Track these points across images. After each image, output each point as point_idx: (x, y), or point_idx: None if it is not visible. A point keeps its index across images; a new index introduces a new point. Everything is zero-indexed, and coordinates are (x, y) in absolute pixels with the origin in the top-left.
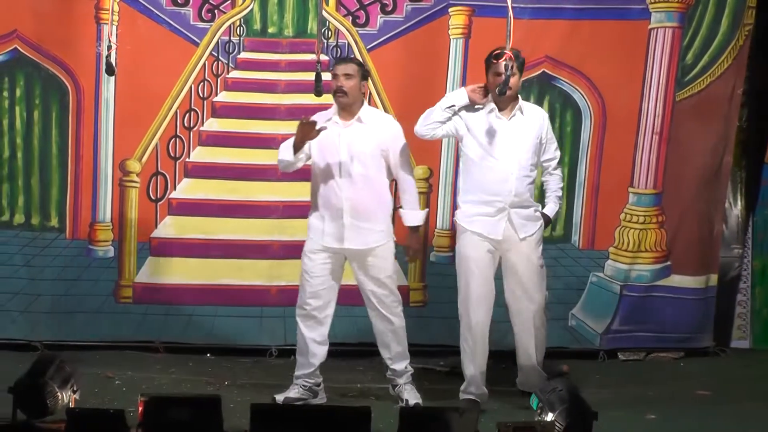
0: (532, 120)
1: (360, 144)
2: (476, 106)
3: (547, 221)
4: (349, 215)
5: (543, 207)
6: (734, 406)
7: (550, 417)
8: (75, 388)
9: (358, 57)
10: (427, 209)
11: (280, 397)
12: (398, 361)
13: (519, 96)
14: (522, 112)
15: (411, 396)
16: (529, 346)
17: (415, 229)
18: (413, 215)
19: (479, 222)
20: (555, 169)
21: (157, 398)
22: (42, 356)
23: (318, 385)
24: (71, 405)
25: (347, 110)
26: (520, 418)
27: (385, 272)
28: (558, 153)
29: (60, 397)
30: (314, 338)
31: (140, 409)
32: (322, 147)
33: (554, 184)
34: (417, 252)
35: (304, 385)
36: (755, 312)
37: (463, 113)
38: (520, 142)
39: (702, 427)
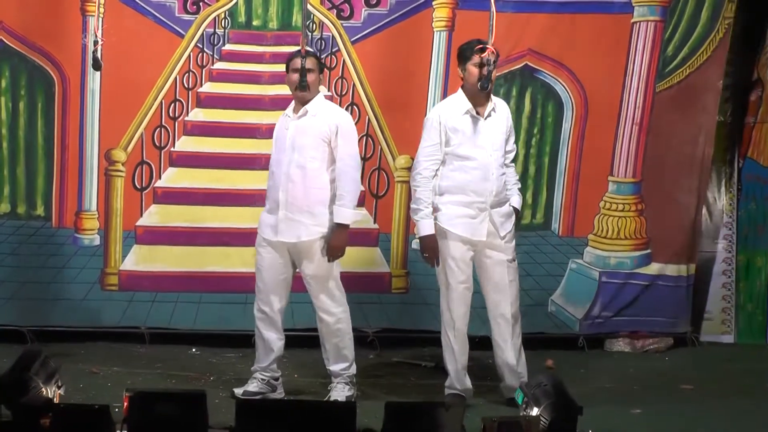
0: (501, 116)
1: None
2: (456, 108)
3: (517, 214)
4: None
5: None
6: (718, 400)
7: (535, 412)
8: (60, 384)
9: (342, 50)
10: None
11: (239, 391)
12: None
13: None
14: (495, 110)
15: (338, 394)
16: (504, 340)
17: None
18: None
19: (462, 224)
20: (513, 161)
21: (143, 393)
22: (26, 351)
23: (276, 379)
24: (56, 400)
25: None
26: (505, 413)
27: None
28: (515, 146)
29: (44, 393)
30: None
31: (125, 404)
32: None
33: (513, 176)
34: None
35: (262, 379)
36: (739, 307)
37: (444, 116)
38: (495, 140)
39: (686, 422)
